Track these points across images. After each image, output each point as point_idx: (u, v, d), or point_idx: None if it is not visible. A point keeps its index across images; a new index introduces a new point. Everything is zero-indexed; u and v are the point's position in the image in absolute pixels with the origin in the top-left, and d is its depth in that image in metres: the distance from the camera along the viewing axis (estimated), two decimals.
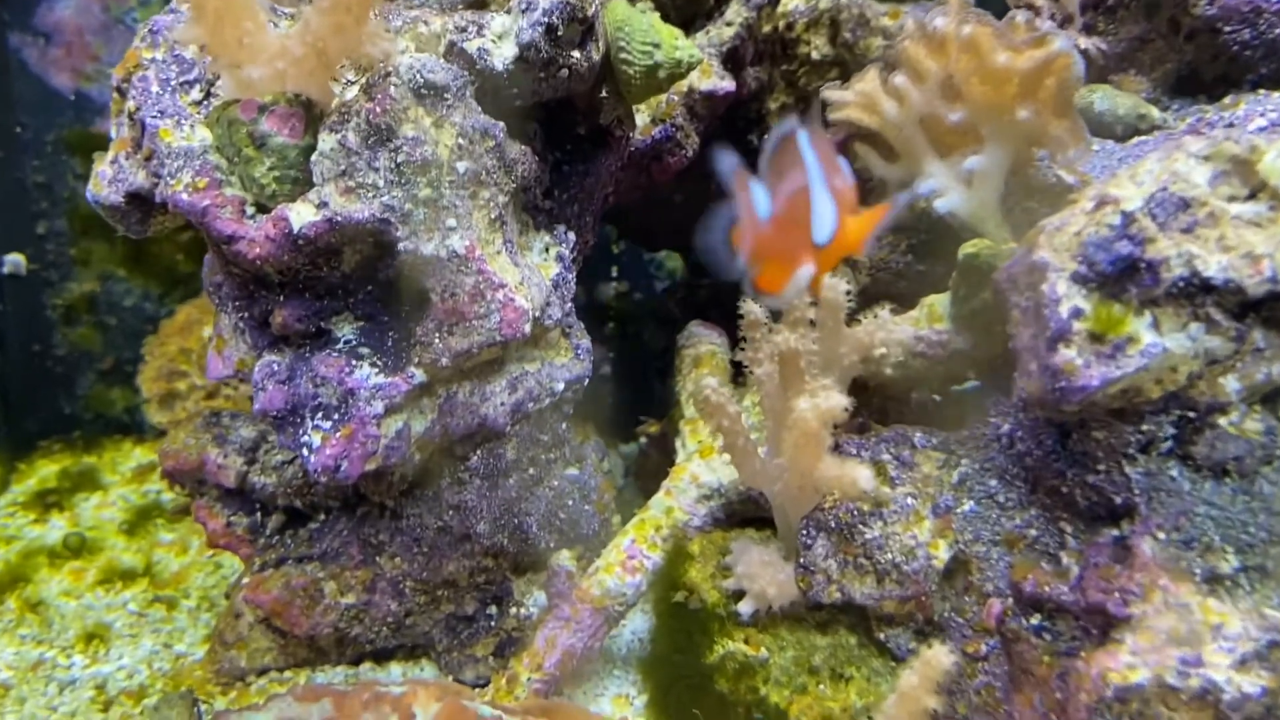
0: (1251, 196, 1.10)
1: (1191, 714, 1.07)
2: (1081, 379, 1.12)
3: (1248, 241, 1.07)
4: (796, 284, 1.03)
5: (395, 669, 1.66)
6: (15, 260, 2.53)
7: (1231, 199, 1.11)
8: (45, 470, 2.46)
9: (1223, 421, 1.15)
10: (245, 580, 1.62)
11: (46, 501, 2.28)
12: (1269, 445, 1.14)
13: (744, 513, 1.65)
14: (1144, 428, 1.19)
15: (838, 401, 1.24)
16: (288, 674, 1.64)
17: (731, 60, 2.02)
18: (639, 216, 2.40)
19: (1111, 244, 1.13)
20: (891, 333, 1.39)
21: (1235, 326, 1.10)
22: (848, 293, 1.39)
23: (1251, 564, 1.14)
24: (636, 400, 2.45)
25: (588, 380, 1.67)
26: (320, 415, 1.42)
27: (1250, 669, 1.07)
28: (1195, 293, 1.10)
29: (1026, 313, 1.20)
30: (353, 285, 1.46)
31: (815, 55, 2.12)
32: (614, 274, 3.18)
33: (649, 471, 2.07)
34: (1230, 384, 1.13)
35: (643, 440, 2.08)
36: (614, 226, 2.73)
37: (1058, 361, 1.13)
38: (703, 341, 2.08)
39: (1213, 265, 1.08)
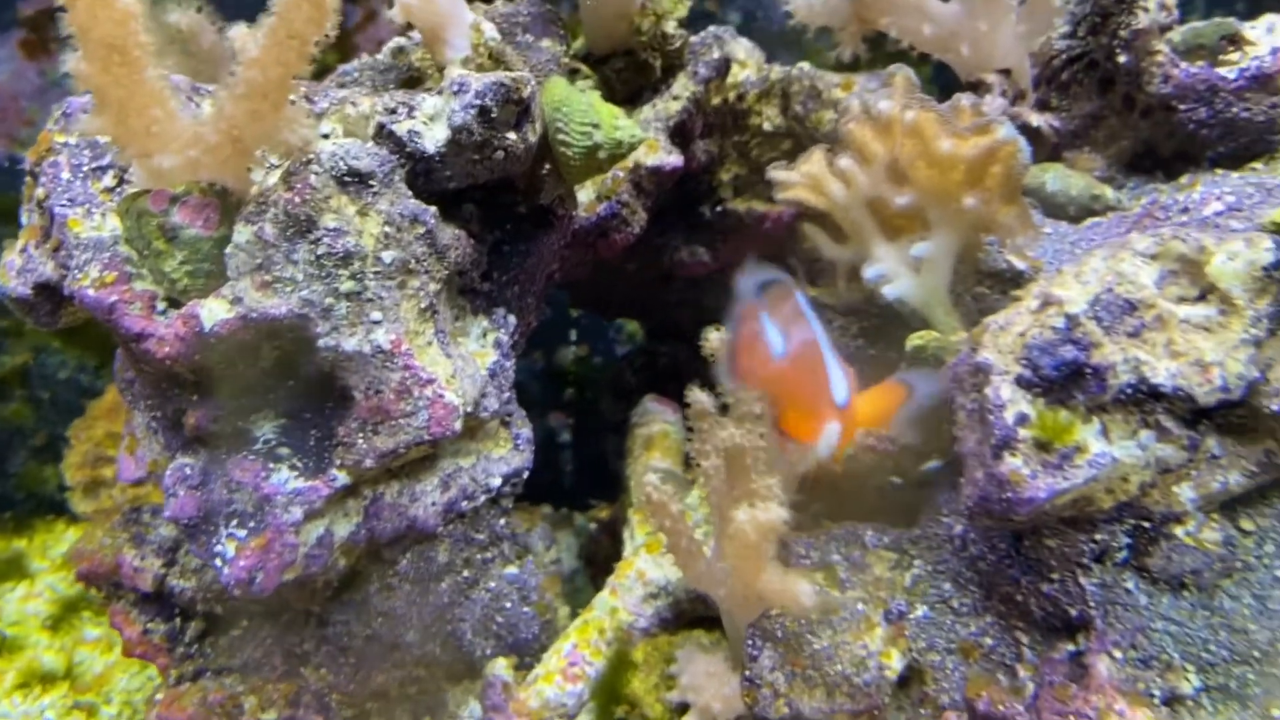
0: (1201, 298, 1.05)
1: None
2: (1029, 490, 1.06)
3: (1197, 348, 1.02)
4: (828, 439, 1.02)
5: None
6: None
7: (1180, 300, 1.06)
8: None
9: (1179, 531, 1.09)
10: (158, 697, 1.52)
11: None
12: (1228, 557, 1.08)
13: (693, 612, 1.58)
14: (1098, 537, 1.13)
15: (776, 514, 1.18)
16: None
17: (679, 134, 1.98)
18: (589, 288, 2.34)
19: (1056, 348, 1.07)
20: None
21: (1188, 434, 1.05)
22: None
23: (1214, 684, 1.08)
24: (595, 469, 2.38)
25: (528, 472, 1.59)
26: (235, 523, 1.34)
27: None
28: (1144, 400, 1.04)
29: (971, 415, 1.14)
30: (272, 382, 1.38)
31: (767, 126, 2.08)
32: (573, 337, 3.12)
33: (600, 556, 1.99)
34: (1185, 493, 1.07)
35: (593, 526, 2.00)
36: (568, 293, 2.68)
37: (1004, 471, 1.07)
38: (656, 420, 2.02)
39: (1161, 372, 1.02)
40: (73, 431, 2.05)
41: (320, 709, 1.51)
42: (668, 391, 2.17)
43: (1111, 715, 1.06)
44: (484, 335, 1.59)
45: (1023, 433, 1.06)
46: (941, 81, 2.31)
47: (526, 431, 1.63)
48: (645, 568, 1.59)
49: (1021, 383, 1.08)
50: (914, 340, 1.33)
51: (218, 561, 1.34)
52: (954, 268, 1.42)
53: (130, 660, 1.93)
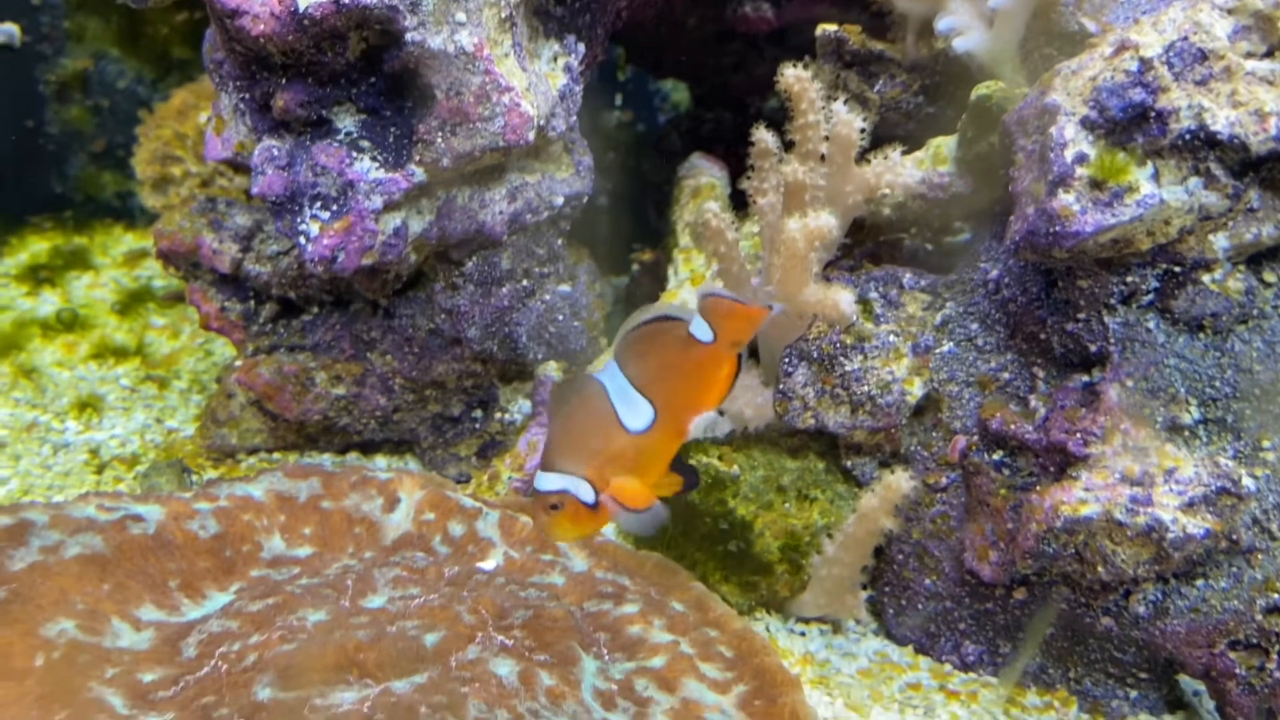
0: (1269, 54, 1.10)
1: (1134, 549, 1.14)
2: (1076, 224, 1.13)
3: (1259, 98, 1.07)
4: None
5: (380, 460, 1.73)
6: (9, 30, 2.46)
7: (1249, 55, 1.10)
8: (36, 246, 2.47)
9: (1206, 278, 1.17)
10: (238, 363, 1.65)
11: (38, 276, 2.29)
12: (1246, 305, 1.17)
13: None
14: (1129, 279, 1.21)
15: (826, 221, 1.26)
16: (276, 455, 1.70)
17: None
18: (649, 38, 2.34)
19: (1125, 90, 1.12)
20: (899, 175, 1.38)
21: (1233, 184, 1.11)
22: (862, 130, 1.37)
23: (1212, 417, 1.19)
24: (632, 232, 2.45)
25: (587, 198, 1.67)
26: (319, 205, 1.43)
27: (1197, 512, 1.13)
28: (1200, 146, 1.10)
29: (1031, 156, 1.20)
30: (356, 75, 1.44)
31: None
32: (618, 103, 3.12)
33: (639, 301, 2.09)
34: (1219, 241, 1.15)
35: (635, 267, 2.10)
36: (622, 48, 2.67)
37: (1055, 206, 1.14)
38: (703, 173, 2.07)
39: (1221, 120, 1.08)
40: (142, 130, 2.11)
41: (384, 390, 1.65)
42: (712, 154, 2.22)
43: (1116, 433, 1.18)
44: (554, 59, 1.62)
45: (1079, 171, 1.13)
46: None
47: (587, 160, 1.69)
48: (688, 298, 1.69)
49: (1086, 124, 1.14)
50: (980, 89, 1.37)
51: (302, 239, 1.43)
52: (1026, 25, 1.44)
53: (194, 348, 2.08)
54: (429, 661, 1.13)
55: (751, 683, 1.23)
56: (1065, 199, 1.14)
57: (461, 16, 1.39)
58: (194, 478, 1.62)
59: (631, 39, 2.43)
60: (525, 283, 1.64)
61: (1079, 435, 1.21)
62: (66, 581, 1.20)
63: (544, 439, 1.60)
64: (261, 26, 1.33)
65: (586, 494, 0.90)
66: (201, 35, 2.45)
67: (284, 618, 1.18)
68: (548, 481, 0.89)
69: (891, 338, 1.44)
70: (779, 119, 2.52)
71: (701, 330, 0.95)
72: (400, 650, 1.13)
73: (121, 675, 1.12)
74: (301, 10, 1.32)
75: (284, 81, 1.42)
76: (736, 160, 2.26)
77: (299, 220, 1.43)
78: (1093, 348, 1.26)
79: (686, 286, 1.71)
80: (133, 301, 2.20)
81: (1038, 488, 1.25)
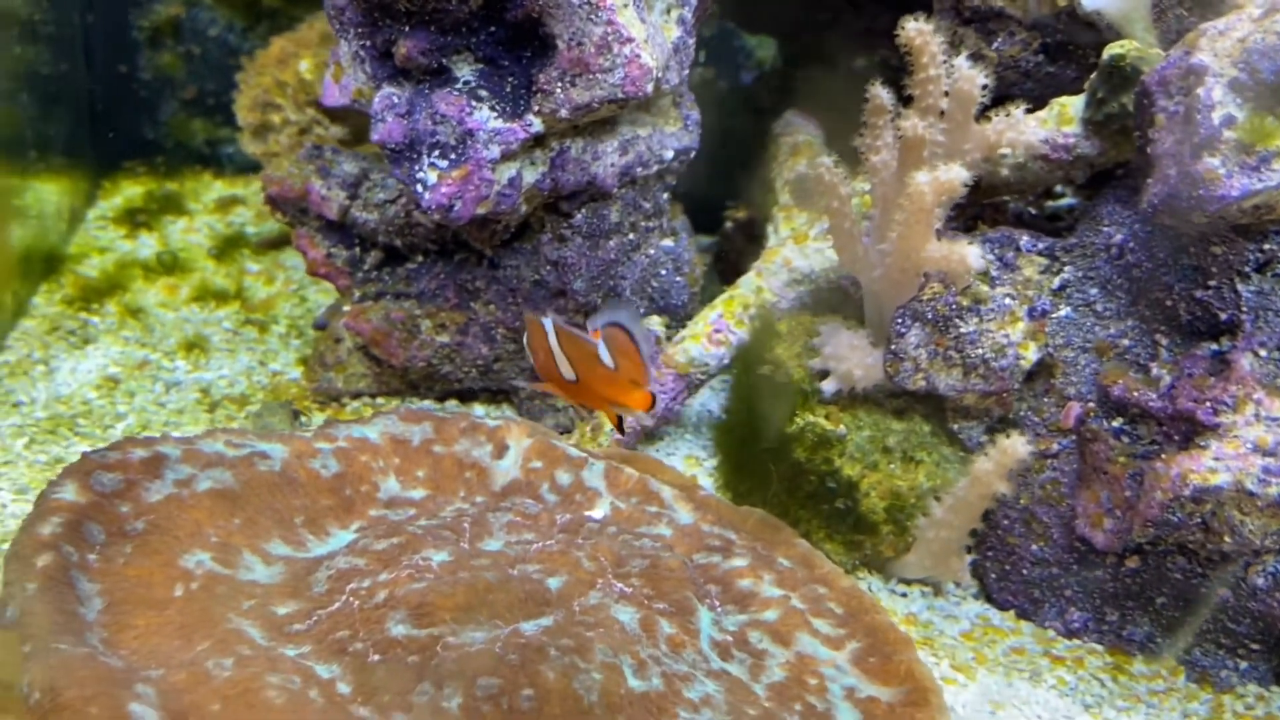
0: None
1: (1264, 519, 1.13)
2: (1221, 188, 1.11)
3: None
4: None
5: (479, 409, 1.75)
6: None
7: None
8: (130, 190, 2.51)
9: None
10: (345, 309, 1.68)
11: (136, 219, 2.34)
12: None
13: (830, 301, 1.68)
14: (1266, 246, 1.19)
15: (957, 174, 1.25)
16: (380, 400, 1.73)
17: None
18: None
19: (1276, 52, 1.09)
20: (1022, 133, 1.36)
21: None
22: (984, 87, 1.35)
23: None
24: (720, 189, 2.43)
25: (694, 152, 1.66)
26: (437, 153, 1.44)
27: None
28: None
29: (1174, 118, 1.18)
30: (477, 24, 1.44)
31: None
32: (701, 59, 3.09)
33: (732, 252, 2.09)
34: None
35: (729, 224, 2.09)
36: (717, 4, 2.64)
37: (1200, 169, 1.12)
38: (800, 131, 2.06)
39: None
40: (242, 77, 2.13)
41: (486, 339, 1.67)
42: (802, 110, 2.20)
43: (1248, 403, 1.16)
44: (668, 10, 1.61)
45: (1227, 134, 1.11)
46: None
47: (695, 114, 1.68)
48: (791, 256, 1.69)
49: (1235, 85, 1.11)
50: (1113, 49, 1.34)
51: (419, 187, 1.45)
52: None
53: (289, 294, 2.11)
54: (553, 605, 1.16)
55: (864, 640, 1.24)
56: (1211, 162, 1.12)
57: None
58: (303, 419, 1.66)
59: None
60: (631, 236, 1.64)
61: (1208, 404, 1.20)
62: (200, 515, 1.24)
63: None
64: None
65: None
66: None
67: (409, 557, 1.21)
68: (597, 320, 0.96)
69: (1008, 300, 1.42)
70: (869, 77, 2.49)
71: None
72: (527, 593, 1.15)
73: (257, 607, 1.15)
74: None
75: (407, 29, 1.42)
76: (827, 118, 2.25)
77: (417, 168, 1.45)
78: (1223, 316, 1.24)
79: (789, 244, 1.71)
80: (227, 246, 2.23)
81: (1163, 456, 1.23)
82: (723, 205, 2.29)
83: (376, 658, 1.08)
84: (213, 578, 1.17)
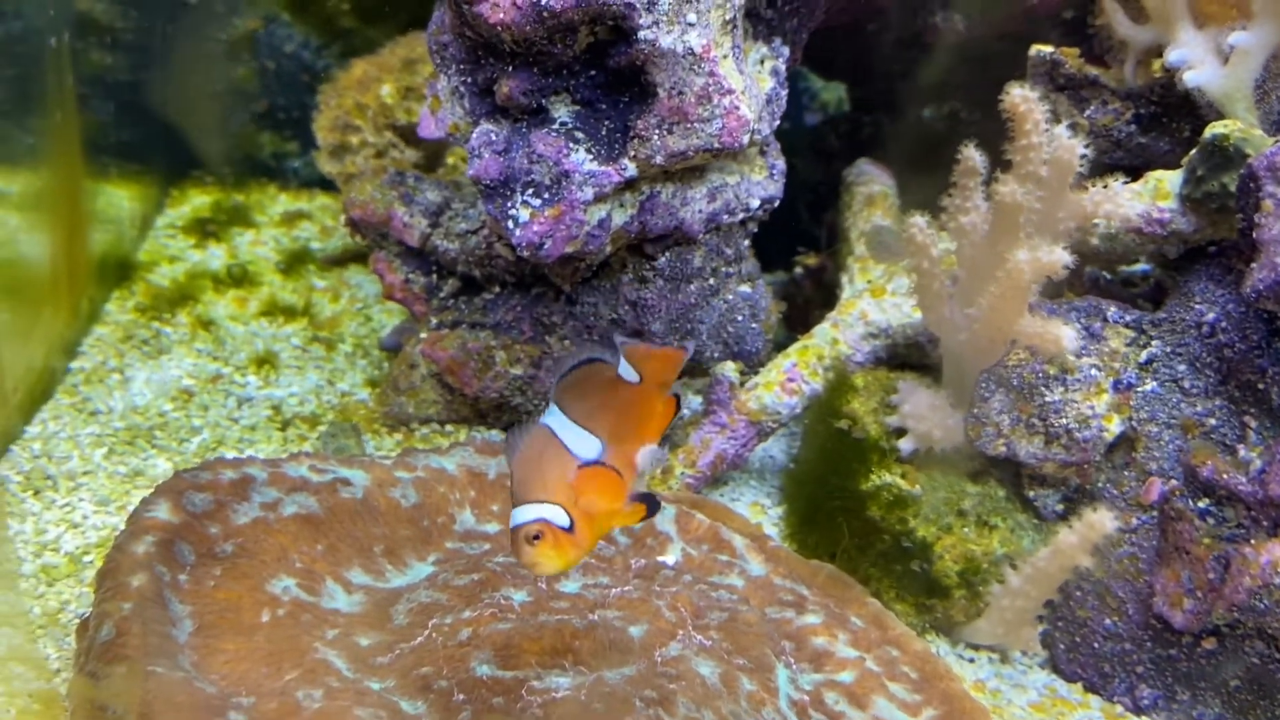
0: None
1: None
2: None
3: None
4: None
5: None
6: None
7: None
8: (198, 200, 2.54)
9: None
10: (422, 335, 1.69)
11: (205, 229, 2.36)
12: None
13: (905, 357, 1.68)
14: None
15: (1059, 257, 1.25)
16: (449, 428, 1.74)
17: None
18: (823, 39, 2.32)
19: None
20: (1119, 206, 1.36)
21: None
22: (1083, 157, 1.35)
23: None
24: (785, 233, 2.43)
25: (778, 201, 1.67)
26: (531, 191, 1.45)
27: None
28: None
29: None
30: (578, 68, 1.46)
31: None
32: None
33: (800, 299, 2.09)
34: None
35: (798, 271, 2.10)
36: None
37: None
38: (874, 180, 2.06)
39: None
40: (323, 97, 2.16)
41: None
42: (871, 158, 2.20)
43: None
44: (761, 62, 1.62)
45: None
46: None
47: (781, 164, 1.69)
48: (868, 309, 1.69)
49: None
50: (1216, 128, 1.34)
51: (510, 224, 1.46)
52: (1265, 65, 1.40)
53: (354, 312, 2.13)
54: (636, 654, 1.16)
55: (941, 707, 1.23)
56: None
57: (692, 17, 1.40)
58: (371, 443, 1.67)
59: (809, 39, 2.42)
60: (712, 281, 1.65)
61: None
62: (285, 539, 1.24)
63: (713, 437, 1.62)
64: (501, 15, 1.35)
65: (561, 519, 0.91)
66: (370, 10, 2.50)
67: (489, 594, 1.21)
68: (523, 514, 0.90)
69: (1094, 372, 1.42)
70: (937, 127, 2.48)
71: (628, 373, 0.98)
72: (610, 640, 1.15)
73: (341, 637, 1.16)
74: (543, 3, 1.34)
75: (510, 69, 1.44)
76: (895, 166, 2.25)
77: (510, 205, 1.46)
78: None
79: (866, 297, 1.71)
80: (294, 262, 2.25)
81: (1252, 541, 1.23)
82: (786, 245, 2.29)
83: (461, 697, 1.08)
84: (298, 605, 1.18)
